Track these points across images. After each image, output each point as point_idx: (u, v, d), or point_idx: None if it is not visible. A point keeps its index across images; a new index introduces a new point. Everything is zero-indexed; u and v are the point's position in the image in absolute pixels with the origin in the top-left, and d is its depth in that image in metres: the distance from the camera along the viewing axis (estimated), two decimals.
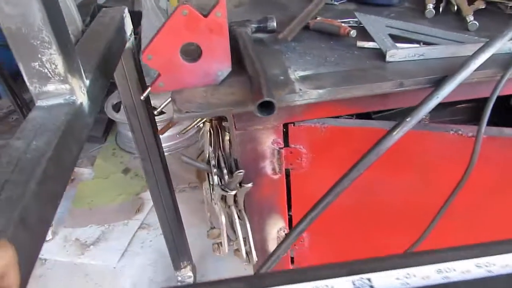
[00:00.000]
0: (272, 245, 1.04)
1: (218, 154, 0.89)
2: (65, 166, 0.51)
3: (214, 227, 1.09)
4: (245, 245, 0.97)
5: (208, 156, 0.90)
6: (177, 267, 1.45)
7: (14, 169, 0.43)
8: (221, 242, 1.02)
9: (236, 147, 0.82)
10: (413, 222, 0.82)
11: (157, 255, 1.63)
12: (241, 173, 0.81)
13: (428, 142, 0.83)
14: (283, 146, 0.83)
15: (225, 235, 0.95)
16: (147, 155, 1.16)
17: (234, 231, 0.96)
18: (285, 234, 1.03)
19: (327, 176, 0.74)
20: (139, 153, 1.16)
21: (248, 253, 0.95)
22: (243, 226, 0.94)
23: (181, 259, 1.45)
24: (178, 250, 1.42)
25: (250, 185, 0.84)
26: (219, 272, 1.54)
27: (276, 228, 1.02)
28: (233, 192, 0.82)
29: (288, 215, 1.01)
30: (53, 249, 1.67)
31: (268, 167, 0.86)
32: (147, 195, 1.82)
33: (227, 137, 0.89)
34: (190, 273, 1.47)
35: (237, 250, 0.99)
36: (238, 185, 0.86)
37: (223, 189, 0.84)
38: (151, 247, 1.68)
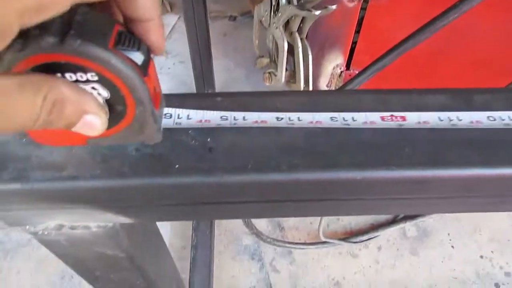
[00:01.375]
0: (323, 82, 1.00)
1: None
2: None
3: (263, 56, 1.03)
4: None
5: None
6: None
7: None
8: (272, 72, 0.97)
9: None
10: None
11: (177, 83, 1.59)
12: None
13: None
14: None
15: (284, 62, 0.89)
16: None
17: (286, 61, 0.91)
18: (340, 71, 0.99)
19: (408, 16, 0.66)
20: None
21: (306, 84, 0.91)
22: (305, 56, 0.88)
23: (206, 89, 1.42)
24: (205, 79, 1.38)
25: (333, 7, 0.75)
26: None
27: (333, 64, 0.97)
28: (318, 12, 0.73)
29: (349, 52, 0.96)
30: None
31: None
32: (165, 19, 1.69)
33: None
34: None
35: (290, 81, 0.95)
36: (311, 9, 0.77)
37: (300, 9, 0.75)
38: (170, 74, 1.62)
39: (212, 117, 0.32)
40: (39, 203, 0.29)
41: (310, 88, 0.92)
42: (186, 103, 0.32)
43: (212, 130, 0.31)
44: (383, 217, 1.34)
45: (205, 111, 0.32)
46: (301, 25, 0.84)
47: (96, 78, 0.25)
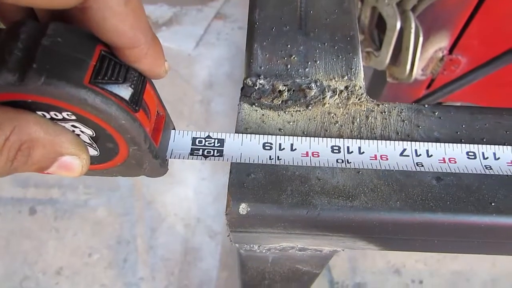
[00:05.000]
0: (420, 66, 0.94)
1: None
2: None
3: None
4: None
5: None
6: None
7: None
8: (371, 52, 0.91)
9: None
10: None
11: (234, 49, 1.52)
12: None
13: None
14: None
15: (393, 43, 0.82)
16: None
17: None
18: (442, 55, 0.92)
19: None
20: None
21: (411, 69, 0.85)
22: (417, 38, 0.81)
23: None
24: None
25: None
26: None
27: (436, 47, 0.90)
28: None
29: (456, 37, 0.88)
30: None
31: None
32: None
33: None
34: None
35: (392, 64, 0.88)
36: None
37: None
38: (228, 40, 1.55)
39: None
40: (312, 231, 0.25)
41: (414, 74, 0.85)
42: None
43: None
44: None
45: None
46: (417, 3, 0.77)
47: (73, 117, 0.20)
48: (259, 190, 0.24)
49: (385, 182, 0.25)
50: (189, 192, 1.28)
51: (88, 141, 0.22)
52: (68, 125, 0.21)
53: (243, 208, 0.23)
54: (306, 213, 0.23)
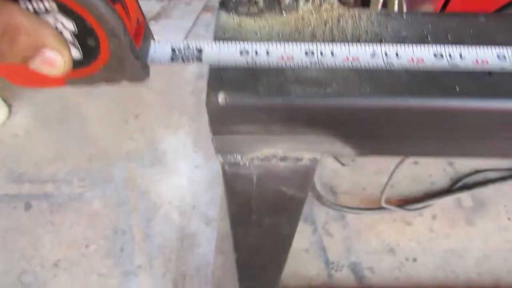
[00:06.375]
0: None
1: None
2: None
3: None
4: None
5: None
6: None
7: None
8: None
9: None
10: None
11: None
12: None
13: None
14: None
15: None
16: None
17: None
18: None
19: None
20: None
21: None
22: None
23: None
24: None
25: None
26: None
27: None
28: None
29: None
30: None
31: None
32: None
33: None
34: None
35: None
36: None
37: None
38: None
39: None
40: (288, 122, 0.27)
41: None
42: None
43: None
44: (437, 186, 1.32)
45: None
46: None
47: (55, 6, 0.21)
48: (236, 82, 0.25)
49: (356, 73, 0.26)
50: (183, 181, 1.29)
51: (70, 38, 0.23)
52: (51, 19, 0.22)
53: (222, 98, 0.25)
54: (281, 101, 0.25)
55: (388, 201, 1.28)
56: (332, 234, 1.23)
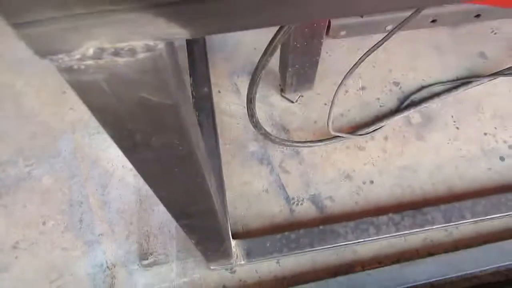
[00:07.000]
0: None
1: None
2: None
3: None
4: None
5: None
6: None
7: None
8: None
9: None
10: None
11: None
12: None
13: None
14: None
15: None
16: None
17: None
18: None
19: None
20: None
21: None
22: None
23: None
24: None
25: None
26: None
27: None
28: None
29: None
30: None
31: None
32: None
33: None
34: None
35: None
36: None
37: None
38: None
39: None
40: None
41: None
42: None
43: None
44: (387, 108, 1.33)
45: None
46: None
47: None
48: None
49: None
50: None
51: None
52: None
53: None
54: None
55: (341, 130, 1.29)
56: (289, 171, 1.24)
